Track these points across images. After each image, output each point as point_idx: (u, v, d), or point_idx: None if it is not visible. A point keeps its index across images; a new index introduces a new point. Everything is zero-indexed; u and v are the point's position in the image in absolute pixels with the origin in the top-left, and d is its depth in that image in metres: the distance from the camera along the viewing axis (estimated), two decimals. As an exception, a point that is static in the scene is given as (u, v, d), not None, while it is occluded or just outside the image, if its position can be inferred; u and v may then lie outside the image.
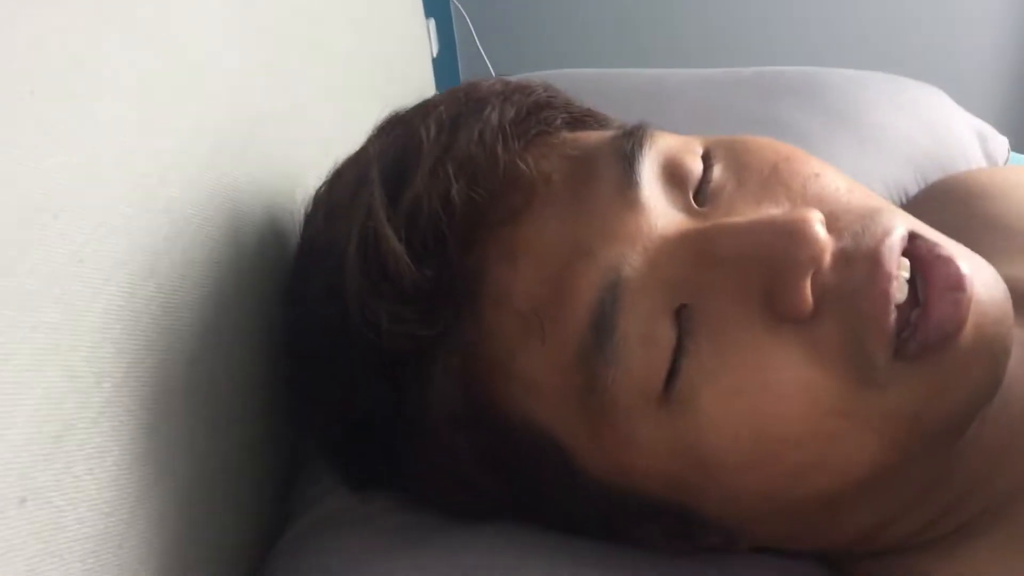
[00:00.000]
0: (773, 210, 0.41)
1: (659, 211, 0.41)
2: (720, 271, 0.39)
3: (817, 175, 0.42)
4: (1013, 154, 0.89)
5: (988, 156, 0.80)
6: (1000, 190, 0.61)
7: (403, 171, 0.41)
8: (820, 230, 0.37)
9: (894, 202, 0.70)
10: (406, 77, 0.84)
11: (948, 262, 0.39)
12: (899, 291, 0.38)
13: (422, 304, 0.40)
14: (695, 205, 0.42)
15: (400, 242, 0.39)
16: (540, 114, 0.44)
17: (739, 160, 0.43)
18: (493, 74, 1.36)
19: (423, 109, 0.46)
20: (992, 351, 0.39)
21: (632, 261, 0.39)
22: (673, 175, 0.42)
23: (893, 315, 0.38)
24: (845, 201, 0.41)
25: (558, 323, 0.39)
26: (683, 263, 0.39)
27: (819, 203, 0.41)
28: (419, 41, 0.96)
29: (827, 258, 0.38)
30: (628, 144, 0.42)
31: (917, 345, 0.38)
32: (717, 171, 0.43)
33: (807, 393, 0.38)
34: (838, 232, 0.40)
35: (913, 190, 0.71)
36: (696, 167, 0.43)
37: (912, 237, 0.40)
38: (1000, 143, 0.82)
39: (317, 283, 0.44)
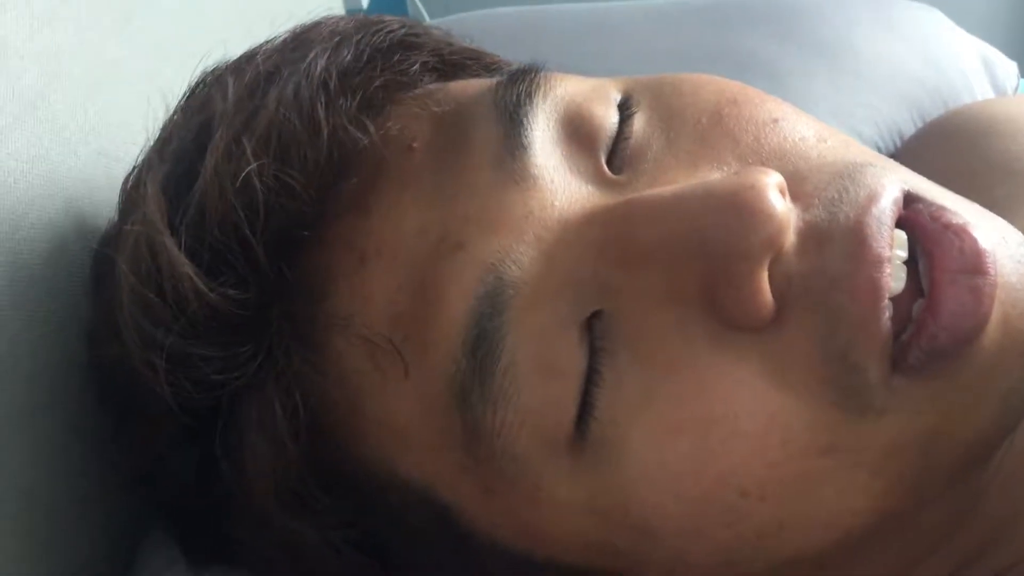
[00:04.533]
0: (714, 174, 0.30)
1: (557, 184, 0.31)
2: (643, 265, 0.29)
3: (776, 121, 0.32)
4: (1023, 81, 0.79)
5: (996, 85, 0.71)
6: (1016, 125, 0.51)
7: (193, 155, 0.31)
8: (776, 200, 0.27)
9: (885, 150, 0.59)
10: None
11: (961, 233, 0.29)
12: (893, 278, 0.28)
13: (217, 338, 0.29)
14: (609, 172, 0.31)
15: (181, 252, 0.29)
16: (390, 59, 0.34)
17: (669, 107, 0.33)
18: (427, 19, 1.24)
19: (240, 62, 0.35)
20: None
21: (520, 256, 0.29)
22: (578, 133, 0.32)
23: (887, 313, 0.28)
24: (815, 156, 0.31)
25: (423, 348, 0.30)
26: (592, 256, 0.29)
27: (779, 160, 0.31)
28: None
29: (789, 238, 0.28)
30: (512, 94, 0.32)
31: (923, 353, 0.28)
32: (639, 123, 0.33)
33: (773, 427, 0.28)
34: (805, 200, 0.30)
35: (909, 131, 0.61)
36: (609, 120, 0.32)
37: (910, 200, 0.30)
38: (1009, 69, 0.72)
39: (99, 311, 0.34)
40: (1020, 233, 0.32)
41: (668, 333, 0.29)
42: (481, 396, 0.29)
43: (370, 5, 1.21)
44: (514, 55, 0.66)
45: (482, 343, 0.29)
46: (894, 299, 0.28)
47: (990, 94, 0.68)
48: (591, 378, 0.29)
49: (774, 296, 0.28)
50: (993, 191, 0.48)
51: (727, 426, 0.28)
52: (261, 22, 0.40)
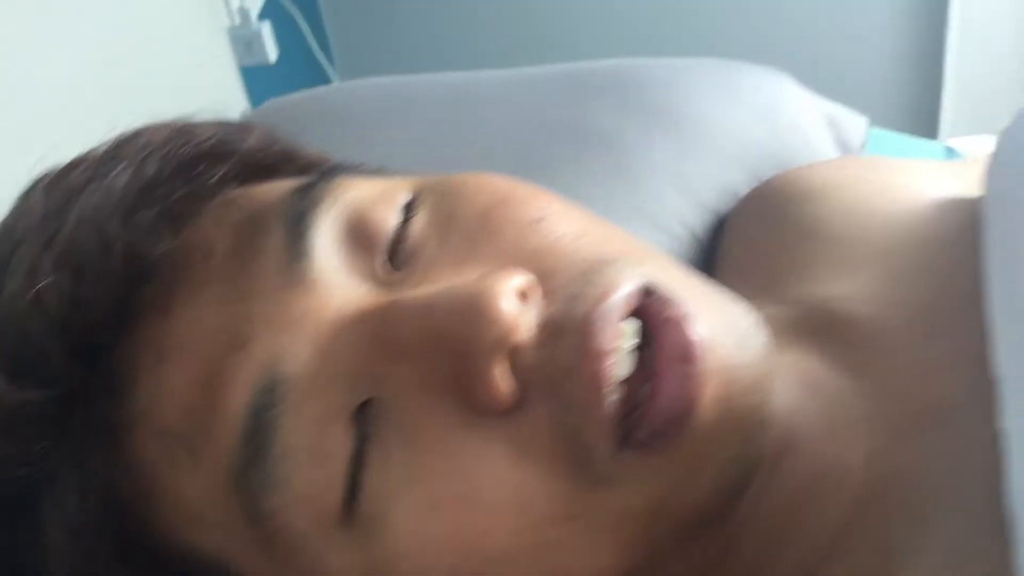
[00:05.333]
0: (473, 273, 0.34)
1: (336, 286, 0.34)
2: (404, 359, 0.33)
3: (538, 220, 0.36)
4: (875, 130, 0.84)
5: (842, 143, 0.74)
6: (824, 191, 0.55)
7: (2, 269, 0.35)
8: (506, 303, 0.32)
9: (722, 214, 0.63)
10: (182, 90, 0.77)
11: (676, 325, 0.33)
12: (620, 366, 0.32)
13: (16, 436, 0.33)
14: (389, 271, 0.35)
15: None
16: (193, 170, 0.37)
17: (447, 208, 0.37)
18: (333, 79, 1.27)
19: (62, 172, 0.39)
20: (742, 427, 0.34)
21: (297, 353, 0.33)
22: (360, 236, 0.36)
23: (611, 398, 0.32)
24: (569, 253, 0.35)
25: (209, 439, 0.33)
26: (362, 350, 0.33)
27: (534, 258, 0.35)
28: (215, 50, 0.88)
29: (520, 336, 0.32)
30: (300, 203, 0.36)
31: (647, 431, 0.32)
32: (419, 224, 0.37)
33: (517, 500, 0.32)
34: (551, 296, 0.34)
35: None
36: (390, 223, 0.36)
37: (648, 292, 0.34)
38: (855, 126, 0.76)
39: None
40: (753, 318, 0.36)
41: (427, 419, 0.33)
42: (258, 482, 0.32)
43: (278, 61, 1.25)
44: (385, 126, 0.70)
45: (257, 434, 0.32)
46: (631, 380, 0.33)
47: (832, 153, 0.72)
48: (360, 461, 0.33)
49: (519, 383, 0.32)
50: (796, 253, 0.52)
51: (475, 501, 0.32)
52: (150, 103, 0.43)
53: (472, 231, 0.36)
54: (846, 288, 0.47)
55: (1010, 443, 0.31)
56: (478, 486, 0.32)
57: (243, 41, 1.23)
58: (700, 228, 0.63)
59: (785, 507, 0.38)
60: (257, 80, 1.28)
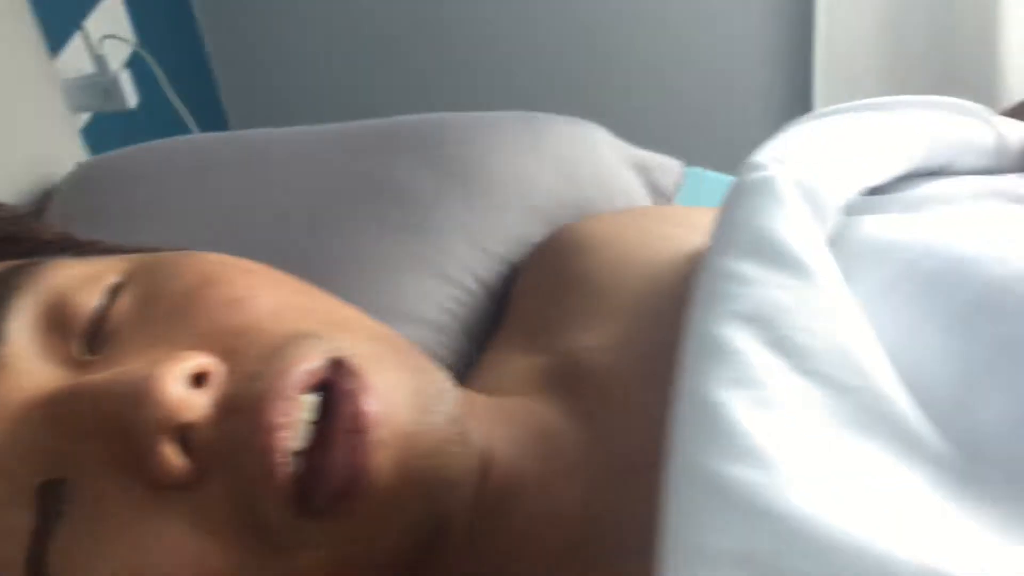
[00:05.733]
0: (157, 356, 0.36)
1: (27, 370, 0.36)
2: (85, 439, 0.34)
3: (236, 301, 0.38)
4: (697, 171, 0.87)
5: (654, 187, 0.76)
6: (598, 242, 0.58)
7: None
8: (171, 387, 0.33)
9: (515, 264, 0.65)
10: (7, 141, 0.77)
11: (351, 397, 0.35)
12: (297, 438, 0.34)
13: None
14: (85, 353, 0.37)
15: None
16: None
17: (153, 288, 0.39)
18: (194, 129, 1.27)
19: None
20: (423, 488, 0.36)
21: None
22: (58, 320, 0.37)
23: (285, 469, 0.34)
24: (261, 331, 0.37)
25: None
26: (48, 431, 0.35)
27: (225, 338, 0.37)
28: (48, 101, 0.88)
29: (189, 417, 0.34)
30: None
31: (321, 498, 0.34)
32: (123, 306, 0.38)
33: (195, 567, 0.34)
34: (234, 375, 0.35)
35: (544, 245, 0.67)
36: (90, 306, 0.38)
37: (337, 366, 0.36)
38: (668, 170, 0.78)
39: None
40: (445, 384, 0.38)
41: (109, 496, 0.34)
42: None
43: (139, 109, 1.25)
44: (187, 188, 0.71)
45: None
46: (312, 451, 0.34)
47: (644, 199, 0.75)
48: (44, 537, 0.34)
49: (197, 459, 0.34)
50: (565, 303, 0.55)
51: (155, 569, 0.33)
52: None
53: (172, 312, 0.38)
54: (596, 339, 0.50)
55: (664, 495, 0.33)
56: (159, 558, 0.33)
57: (101, 88, 1.23)
58: (492, 279, 0.65)
59: (509, 546, 0.40)
60: (116, 128, 1.29)
